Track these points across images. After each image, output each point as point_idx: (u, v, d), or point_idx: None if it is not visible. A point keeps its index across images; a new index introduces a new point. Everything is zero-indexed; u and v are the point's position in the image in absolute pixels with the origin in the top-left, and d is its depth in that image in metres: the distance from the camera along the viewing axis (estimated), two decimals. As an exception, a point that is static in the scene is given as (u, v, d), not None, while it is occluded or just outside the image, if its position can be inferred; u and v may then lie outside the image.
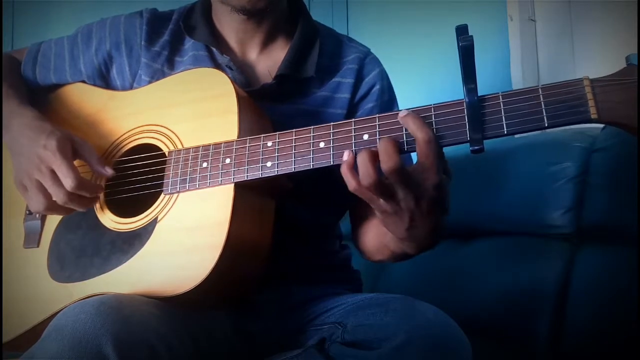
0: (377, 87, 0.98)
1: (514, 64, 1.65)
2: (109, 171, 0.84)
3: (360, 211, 0.94)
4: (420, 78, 1.94)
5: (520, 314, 1.14)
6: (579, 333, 1.06)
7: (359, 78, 0.98)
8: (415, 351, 0.67)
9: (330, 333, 0.78)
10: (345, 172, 0.66)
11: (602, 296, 1.06)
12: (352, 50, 1.01)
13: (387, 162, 0.63)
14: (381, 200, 0.65)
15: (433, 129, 0.65)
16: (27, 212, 0.91)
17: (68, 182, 0.79)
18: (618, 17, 1.46)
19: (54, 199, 0.81)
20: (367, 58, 1.00)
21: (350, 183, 0.65)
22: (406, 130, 0.66)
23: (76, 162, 0.83)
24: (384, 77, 1.00)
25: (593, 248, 1.13)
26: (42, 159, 0.80)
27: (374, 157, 0.64)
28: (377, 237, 0.86)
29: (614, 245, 1.09)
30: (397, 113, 0.67)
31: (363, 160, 0.64)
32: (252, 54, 0.98)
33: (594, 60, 1.54)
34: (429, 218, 0.66)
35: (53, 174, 0.80)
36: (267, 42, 0.98)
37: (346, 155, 0.66)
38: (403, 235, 0.69)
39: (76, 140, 0.84)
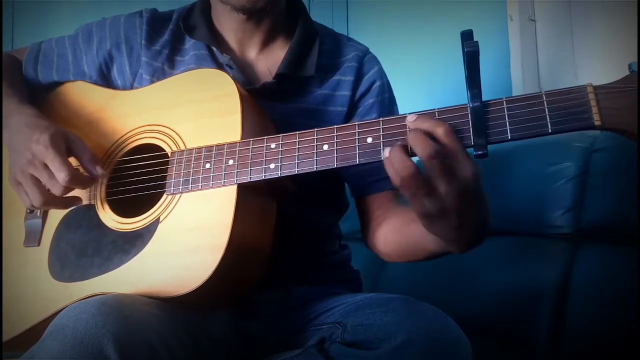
0: (378, 83, 0.98)
1: (514, 64, 1.65)
2: (99, 171, 0.83)
3: (377, 213, 0.93)
4: (421, 78, 1.95)
5: (520, 314, 1.15)
6: (579, 333, 1.06)
7: (359, 75, 0.98)
8: (415, 351, 0.67)
9: (330, 333, 0.78)
10: (389, 167, 0.63)
11: (602, 296, 1.06)
12: (351, 48, 1.01)
13: (424, 149, 0.61)
14: (425, 201, 0.63)
15: (432, 140, 0.62)
16: (28, 210, 0.91)
17: (61, 176, 0.79)
18: (618, 17, 1.46)
19: (51, 191, 0.81)
20: (366, 56, 1.00)
21: (395, 178, 0.63)
22: None
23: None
24: (383, 75, 1.01)
25: (593, 248, 1.13)
26: (35, 154, 0.80)
27: (407, 149, 0.63)
28: (411, 239, 0.82)
29: (614, 245, 1.10)
30: (402, 117, 0.67)
31: (396, 154, 0.62)
32: (252, 53, 0.98)
33: (594, 60, 1.55)
34: (477, 212, 0.65)
35: (47, 168, 0.80)
36: (266, 42, 0.98)
37: (387, 152, 0.64)
38: (451, 237, 0.67)
39: (70, 137, 0.84)
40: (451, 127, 0.63)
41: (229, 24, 0.97)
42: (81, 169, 0.83)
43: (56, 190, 0.81)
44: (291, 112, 0.93)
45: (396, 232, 0.88)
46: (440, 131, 0.62)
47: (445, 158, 0.61)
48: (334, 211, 1.01)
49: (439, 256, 0.78)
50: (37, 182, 0.82)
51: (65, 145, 0.82)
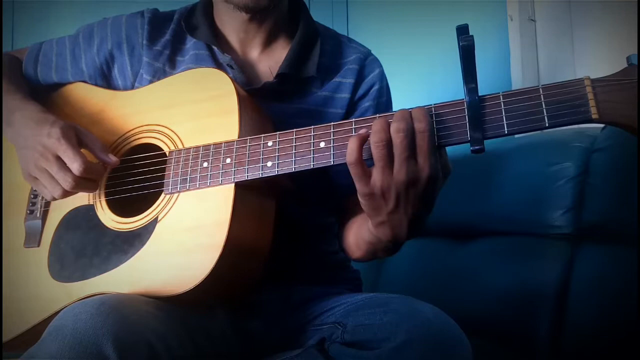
0: (377, 87, 0.98)
1: (514, 64, 1.64)
2: (113, 159, 0.84)
3: (345, 212, 0.94)
4: (420, 78, 1.94)
5: (520, 314, 1.14)
6: (579, 333, 1.06)
7: (360, 78, 0.98)
8: (415, 351, 0.67)
9: (330, 333, 0.78)
10: (356, 137, 0.67)
11: (602, 296, 1.06)
12: (353, 50, 1.01)
13: (400, 123, 0.64)
14: (378, 173, 0.65)
15: (410, 121, 0.65)
16: (28, 211, 0.91)
17: (75, 167, 0.79)
18: (618, 17, 1.46)
19: (60, 184, 0.82)
20: (367, 59, 1.01)
21: (353, 153, 0.66)
22: None
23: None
24: (383, 78, 1.01)
25: (593, 248, 1.13)
26: (47, 147, 0.81)
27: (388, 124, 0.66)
28: (356, 230, 0.86)
29: (614, 245, 1.09)
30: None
31: (380, 121, 0.66)
32: (254, 53, 0.98)
33: (594, 60, 1.54)
34: (412, 207, 0.67)
35: (59, 160, 0.81)
36: (268, 42, 0.98)
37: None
38: (383, 219, 0.69)
39: (80, 129, 0.85)
40: (404, 127, 0.64)
41: (231, 24, 0.97)
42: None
43: (66, 182, 0.81)
44: (291, 113, 0.93)
45: (352, 226, 0.89)
46: (392, 128, 0.65)
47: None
48: (333, 211, 1.01)
49: (375, 247, 0.79)
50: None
51: (76, 137, 0.83)
